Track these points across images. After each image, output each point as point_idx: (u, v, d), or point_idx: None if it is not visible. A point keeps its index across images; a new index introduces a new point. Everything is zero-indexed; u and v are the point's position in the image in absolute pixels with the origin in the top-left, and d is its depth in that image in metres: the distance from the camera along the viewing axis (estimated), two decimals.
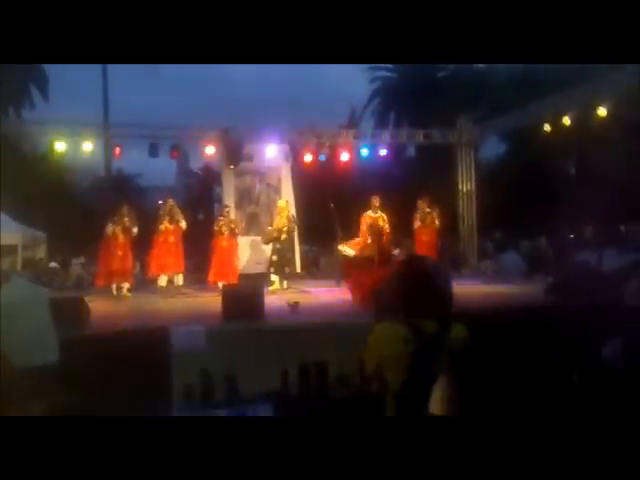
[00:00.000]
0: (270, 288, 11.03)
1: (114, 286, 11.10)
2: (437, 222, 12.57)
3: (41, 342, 4.87)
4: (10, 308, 4.70)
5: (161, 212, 11.51)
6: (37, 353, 4.76)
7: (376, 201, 12.04)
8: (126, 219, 11.06)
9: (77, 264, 15.77)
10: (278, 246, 11.60)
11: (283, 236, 11.62)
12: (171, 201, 11.73)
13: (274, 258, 11.59)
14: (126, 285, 11.15)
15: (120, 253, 11.05)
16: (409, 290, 2.58)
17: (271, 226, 11.97)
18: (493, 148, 24.17)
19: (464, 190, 15.38)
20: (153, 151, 12.77)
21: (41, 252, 16.05)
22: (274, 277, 11.53)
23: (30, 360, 4.66)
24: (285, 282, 11.59)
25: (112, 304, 10.25)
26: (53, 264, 15.68)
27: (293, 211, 12.90)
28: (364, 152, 14.36)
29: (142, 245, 11.76)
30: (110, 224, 11.06)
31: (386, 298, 3.20)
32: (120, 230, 11.01)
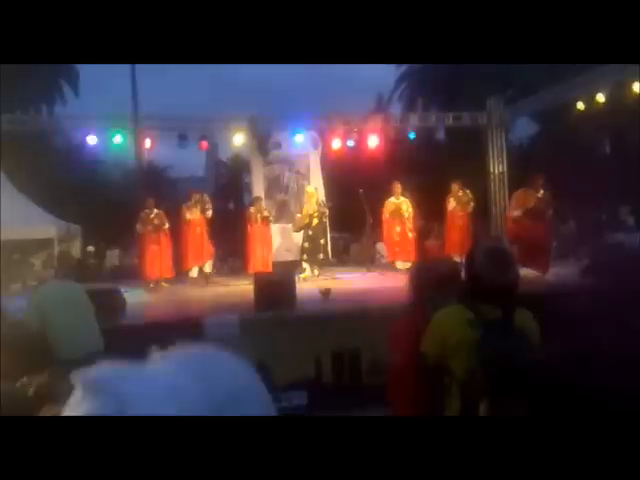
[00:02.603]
0: (302, 275, 11.04)
1: None
2: (472, 205, 12.45)
3: (81, 335, 5.01)
4: (46, 308, 4.90)
5: (191, 202, 11.53)
6: (79, 345, 4.88)
7: (397, 187, 12.02)
8: (152, 216, 11.09)
9: (112, 255, 16.08)
10: (310, 233, 11.58)
11: (314, 222, 11.59)
12: (206, 196, 11.81)
13: (306, 245, 11.59)
14: None
15: (156, 248, 11.04)
16: (474, 275, 2.51)
17: (301, 213, 11.98)
18: (524, 129, 23.73)
19: (495, 172, 15.11)
20: (182, 142, 12.86)
21: (76, 245, 16.33)
22: (305, 264, 11.54)
23: (73, 352, 4.79)
24: (317, 269, 11.59)
25: (147, 295, 10.39)
26: (90, 248, 16.08)
27: (323, 198, 12.88)
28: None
29: (174, 237, 11.82)
30: (140, 224, 11.09)
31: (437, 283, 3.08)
32: (152, 228, 11.03)
